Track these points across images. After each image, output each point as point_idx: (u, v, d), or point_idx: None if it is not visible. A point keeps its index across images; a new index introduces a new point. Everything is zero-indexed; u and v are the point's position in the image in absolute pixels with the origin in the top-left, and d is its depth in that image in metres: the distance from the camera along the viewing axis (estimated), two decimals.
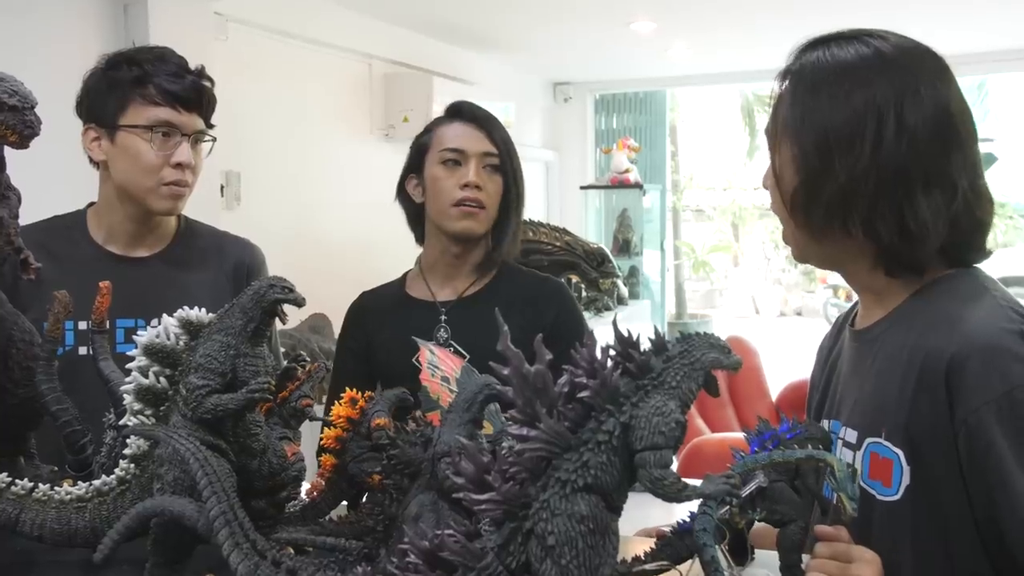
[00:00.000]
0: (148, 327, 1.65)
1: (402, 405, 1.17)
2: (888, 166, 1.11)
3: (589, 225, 6.71)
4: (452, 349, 1.79)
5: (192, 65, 1.77)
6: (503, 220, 1.89)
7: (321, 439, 1.16)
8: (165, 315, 1.05)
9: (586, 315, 5.16)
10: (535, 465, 0.79)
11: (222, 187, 3.58)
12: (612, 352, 0.81)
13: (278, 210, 4.00)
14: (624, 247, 6.47)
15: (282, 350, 3.12)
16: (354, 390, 1.15)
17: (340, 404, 1.15)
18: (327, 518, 1.15)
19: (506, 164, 1.87)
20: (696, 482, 0.79)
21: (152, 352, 1.03)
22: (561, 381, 0.80)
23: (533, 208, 6.34)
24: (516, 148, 1.91)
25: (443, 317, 1.84)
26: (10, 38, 2.73)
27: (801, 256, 1.26)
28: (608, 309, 5.50)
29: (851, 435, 1.18)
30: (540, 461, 0.79)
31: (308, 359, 1.17)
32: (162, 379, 1.03)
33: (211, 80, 1.77)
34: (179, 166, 1.70)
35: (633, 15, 4.81)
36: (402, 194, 1.94)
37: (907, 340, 1.13)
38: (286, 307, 1.06)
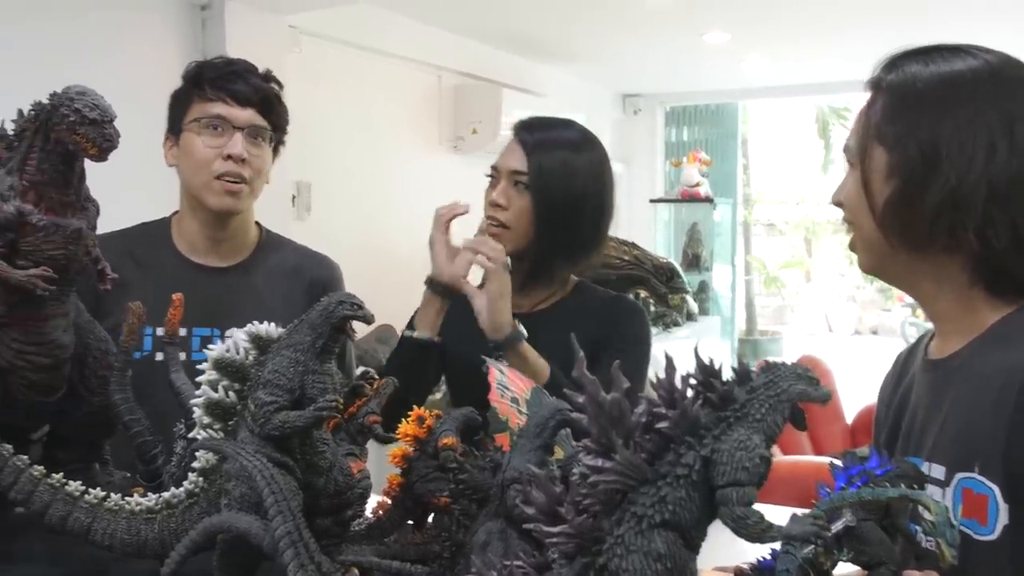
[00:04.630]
0: (223, 337, 1.69)
1: (470, 425, 1.15)
2: (1001, 177, 1.07)
3: (658, 239, 6.64)
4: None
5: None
6: (561, 240, 1.80)
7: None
8: (235, 329, 1.05)
9: (654, 330, 5.12)
10: (609, 498, 0.76)
11: (293, 197, 3.63)
12: (692, 381, 0.78)
13: (347, 220, 4.04)
14: (694, 262, 6.39)
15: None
16: (422, 408, 1.14)
17: (407, 422, 1.13)
18: (391, 538, 1.13)
19: (536, 183, 1.78)
20: (777, 509, 0.75)
21: (222, 366, 1.02)
22: (639, 410, 0.77)
23: None
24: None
25: None
26: (91, 49, 2.81)
27: (873, 267, 1.21)
28: (677, 325, 5.44)
29: (937, 471, 1.12)
30: (615, 494, 0.76)
31: (376, 376, 1.16)
32: (231, 393, 1.03)
33: (278, 83, 1.80)
34: (230, 158, 1.71)
35: (707, 26, 4.75)
36: None
37: (1001, 364, 1.07)
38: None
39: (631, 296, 4.65)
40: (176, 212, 1.85)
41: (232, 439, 1.02)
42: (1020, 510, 1.02)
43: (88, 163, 1.14)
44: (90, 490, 1.05)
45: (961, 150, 1.08)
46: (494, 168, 1.83)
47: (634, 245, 4.65)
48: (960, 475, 1.08)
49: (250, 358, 1.03)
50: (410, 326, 1.77)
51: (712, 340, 6.01)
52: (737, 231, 7.43)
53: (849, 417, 5.14)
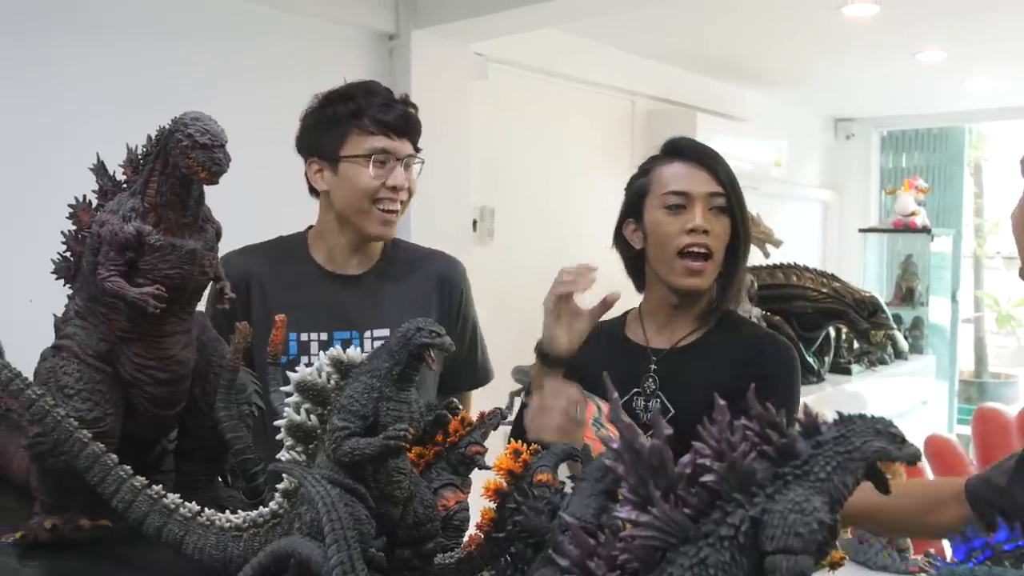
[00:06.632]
0: (363, 339, 1.77)
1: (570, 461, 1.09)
2: None
3: (869, 271, 6.24)
4: (659, 401, 1.67)
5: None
6: (729, 266, 1.73)
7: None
8: (322, 352, 1.05)
9: (856, 368, 4.78)
10: (647, 555, 0.68)
11: (475, 222, 3.68)
12: (748, 431, 0.68)
13: (532, 246, 4.05)
14: (907, 296, 5.93)
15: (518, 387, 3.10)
16: (520, 441, 1.09)
17: (504, 455, 1.09)
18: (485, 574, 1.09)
19: (733, 204, 1.70)
20: None
21: (304, 389, 1.02)
22: (684, 460, 0.69)
23: (807, 251, 6.00)
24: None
25: (653, 366, 1.72)
26: (284, 80, 2.98)
27: None
28: (883, 363, 5.05)
29: None
30: (653, 551, 0.68)
31: (459, 406, 1.12)
32: (312, 417, 1.02)
33: (415, 107, 1.88)
34: (394, 189, 1.82)
35: (919, 44, 4.41)
36: (619, 240, 1.82)
37: None
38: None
39: (826, 329, 4.37)
40: (311, 227, 1.95)
41: (311, 462, 1.02)
42: None
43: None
44: (185, 503, 1.08)
45: None
46: (679, 194, 1.69)
47: (834, 277, 4.37)
48: None
49: (332, 382, 1.02)
50: (528, 391, 1.64)
51: (926, 381, 5.53)
52: (961, 264, 6.83)
53: None
